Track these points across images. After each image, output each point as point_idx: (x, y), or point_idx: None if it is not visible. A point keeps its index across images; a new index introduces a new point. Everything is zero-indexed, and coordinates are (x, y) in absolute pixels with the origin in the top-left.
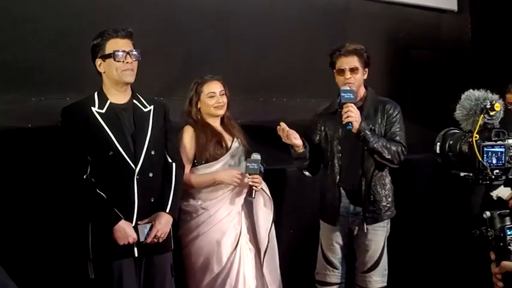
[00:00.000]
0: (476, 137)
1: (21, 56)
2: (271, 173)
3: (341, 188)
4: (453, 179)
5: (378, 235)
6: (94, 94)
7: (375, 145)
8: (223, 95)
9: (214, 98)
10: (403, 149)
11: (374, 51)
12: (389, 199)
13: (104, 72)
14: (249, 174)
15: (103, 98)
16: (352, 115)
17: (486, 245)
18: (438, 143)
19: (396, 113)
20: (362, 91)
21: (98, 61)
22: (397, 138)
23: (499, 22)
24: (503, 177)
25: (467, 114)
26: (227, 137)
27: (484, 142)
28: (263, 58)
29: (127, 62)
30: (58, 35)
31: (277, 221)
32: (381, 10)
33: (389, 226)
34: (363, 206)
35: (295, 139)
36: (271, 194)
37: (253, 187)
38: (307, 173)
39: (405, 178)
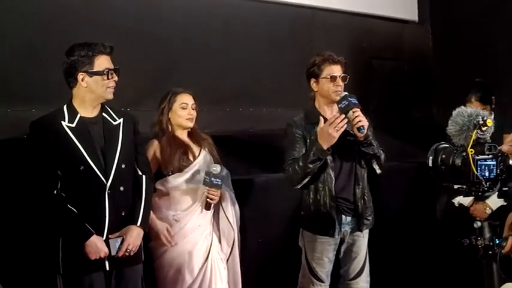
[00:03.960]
0: (471, 151)
1: None
2: (239, 183)
3: (337, 198)
4: (419, 188)
5: (363, 241)
6: (63, 107)
7: (376, 150)
8: (194, 108)
9: (186, 109)
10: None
11: None
12: (373, 206)
13: (86, 87)
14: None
15: (73, 112)
16: (363, 119)
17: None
18: (430, 157)
19: (370, 124)
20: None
21: (82, 75)
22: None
23: (459, 32)
24: (495, 189)
25: (460, 129)
26: (194, 147)
27: (477, 156)
28: (230, 68)
29: (114, 80)
30: (24, 47)
31: (245, 230)
32: (345, 21)
33: None
34: (358, 213)
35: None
36: (239, 203)
37: (208, 200)
38: (300, 184)
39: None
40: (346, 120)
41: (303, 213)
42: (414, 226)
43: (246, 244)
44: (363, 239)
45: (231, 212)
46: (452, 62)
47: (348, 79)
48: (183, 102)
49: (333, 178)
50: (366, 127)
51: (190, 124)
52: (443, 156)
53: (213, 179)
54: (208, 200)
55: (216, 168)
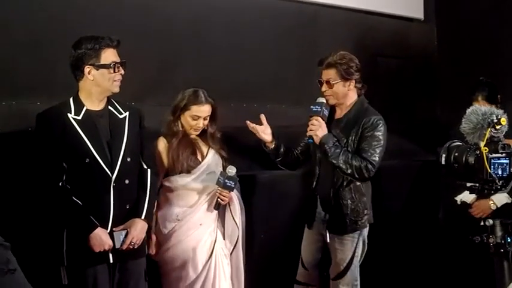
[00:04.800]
0: (485, 150)
1: None
2: (242, 179)
3: (317, 194)
4: (422, 186)
5: (345, 245)
6: (69, 100)
7: (333, 160)
8: (206, 119)
9: (196, 121)
10: (369, 165)
11: None
12: (357, 214)
13: (92, 80)
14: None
15: (79, 105)
16: (313, 128)
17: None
18: (443, 155)
19: (371, 128)
20: (349, 101)
21: (88, 68)
22: (364, 154)
23: (464, 30)
24: (508, 187)
25: (474, 127)
26: (203, 146)
27: (491, 154)
28: (234, 65)
29: (120, 74)
30: (29, 40)
31: (248, 227)
32: (350, 18)
33: (363, 239)
34: (332, 216)
35: (264, 134)
36: (242, 199)
37: (219, 200)
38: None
39: (372, 183)
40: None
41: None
42: (417, 224)
43: (248, 240)
44: (342, 244)
45: (238, 212)
46: (457, 61)
47: (332, 83)
48: (195, 114)
49: (316, 174)
50: (314, 138)
51: (195, 133)
52: (457, 154)
53: (226, 180)
54: (219, 200)
55: (232, 171)
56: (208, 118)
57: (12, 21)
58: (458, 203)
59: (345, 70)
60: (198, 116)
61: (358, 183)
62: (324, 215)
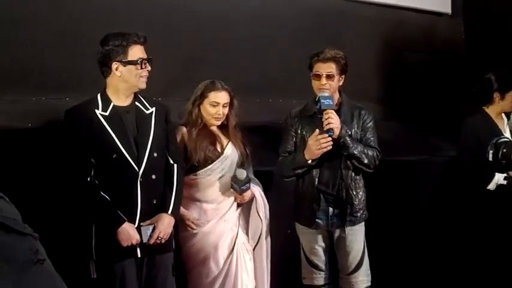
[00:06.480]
0: None
1: (21, 56)
2: (267, 174)
3: (320, 191)
4: (449, 181)
5: (358, 236)
6: (97, 96)
7: (354, 151)
8: (226, 107)
9: (215, 107)
10: (379, 153)
11: (368, 53)
12: (364, 202)
13: (120, 76)
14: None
15: (106, 101)
16: (333, 121)
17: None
18: (491, 151)
19: (370, 119)
20: (336, 97)
21: (116, 64)
22: (372, 143)
23: (492, 25)
24: None
25: None
26: (223, 138)
27: None
28: (259, 59)
29: (147, 70)
30: (57, 36)
31: (272, 222)
32: (376, 13)
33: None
34: (342, 209)
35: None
36: (266, 194)
37: (238, 202)
38: (289, 180)
39: (398, 179)
40: (330, 141)
41: (294, 202)
42: (442, 220)
43: (274, 236)
44: (355, 235)
45: (261, 206)
46: (484, 55)
47: (332, 77)
48: (213, 100)
49: (317, 171)
50: (335, 131)
51: (217, 123)
52: (505, 150)
53: (235, 185)
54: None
55: (241, 175)
56: (227, 106)
57: (41, 18)
58: (492, 189)
59: (343, 65)
60: (216, 102)
61: (358, 175)
62: (333, 210)
